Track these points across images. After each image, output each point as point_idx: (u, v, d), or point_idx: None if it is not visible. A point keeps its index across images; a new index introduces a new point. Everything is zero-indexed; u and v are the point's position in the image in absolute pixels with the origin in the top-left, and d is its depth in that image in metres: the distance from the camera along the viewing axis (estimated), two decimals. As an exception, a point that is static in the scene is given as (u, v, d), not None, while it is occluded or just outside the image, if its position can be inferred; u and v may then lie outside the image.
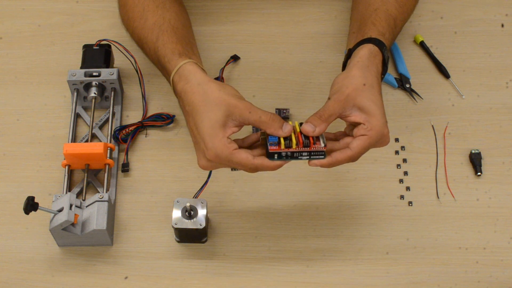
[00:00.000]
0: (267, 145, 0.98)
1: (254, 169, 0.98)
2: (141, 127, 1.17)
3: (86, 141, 1.15)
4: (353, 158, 0.99)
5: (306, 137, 0.98)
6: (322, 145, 0.99)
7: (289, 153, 0.98)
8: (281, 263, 1.08)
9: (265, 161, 0.97)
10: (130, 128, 1.16)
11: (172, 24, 1.09)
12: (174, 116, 1.17)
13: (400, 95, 1.20)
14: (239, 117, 0.97)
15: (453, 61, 1.23)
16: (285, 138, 0.98)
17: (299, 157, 0.99)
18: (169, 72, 1.04)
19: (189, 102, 1.00)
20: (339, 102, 0.99)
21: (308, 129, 0.97)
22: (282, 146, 0.98)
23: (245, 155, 0.97)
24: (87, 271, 1.07)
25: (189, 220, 1.04)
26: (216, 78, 1.20)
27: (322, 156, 0.99)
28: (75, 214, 1.03)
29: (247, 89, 1.21)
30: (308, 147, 0.98)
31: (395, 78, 1.20)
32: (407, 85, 1.20)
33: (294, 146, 0.98)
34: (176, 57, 1.04)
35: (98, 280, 1.06)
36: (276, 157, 0.98)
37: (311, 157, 0.99)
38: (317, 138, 0.99)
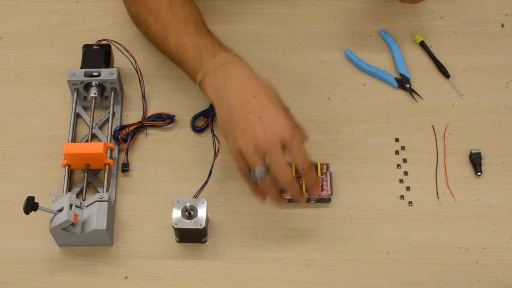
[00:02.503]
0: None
1: (307, 169, 1.00)
2: (141, 127, 1.17)
3: (86, 141, 1.15)
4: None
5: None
6: (329, 192, 1.10)
7: None
8: (281, 263, 1.08)
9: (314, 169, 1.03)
10: (130, 128, 1.16)
11: (201, 18, 1.13)
12: (174, 116, 1.17)
13: (400, 95, 1.20)
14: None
15: (453, 61, 1.23)
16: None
17: (309, 201, 1.11)
18: (216, 52, 1.04)
19: (257, 82, 1.01)
20: None
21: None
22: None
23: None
24: (87, 271, 1.07)
25: (189, 220, 1.04)
26: (216, 78, 1.20)
27: (329, 201, 1.11)
28: (75, 214, 1.03)
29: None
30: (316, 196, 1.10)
31: (395, 78, 1.20)
32: (407, 85, 1.20)
33: (304, 193, 1.07)
34: (222, 47, 1.07)
35: (98, 280, 1.06)
36: (287, 201, 1.08)
37: (318, 201, 1.11)
38: (325, 185, 1.10)
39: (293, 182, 1.00)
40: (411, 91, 1.20)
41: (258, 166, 0.99)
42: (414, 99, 1.19)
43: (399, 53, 1.22)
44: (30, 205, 1.00)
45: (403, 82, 1.20)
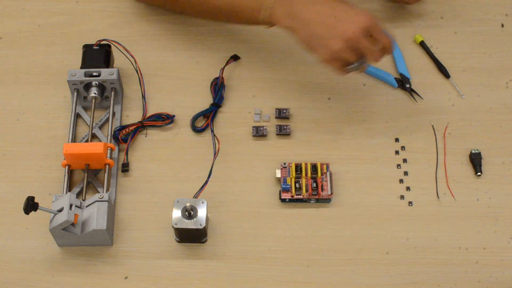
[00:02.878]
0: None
1: (389, 42, 1.08)
2: (141, 127, 1.17)
3: (86, 141, 1.15)
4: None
5: (315, 186, 1.10)
6: (329, 192, 1.10)
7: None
8: (281, 263, 1.08)
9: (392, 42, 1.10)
10: (130, 128, 1.16)
11: None
12: (174, 116, 1.17)
13: (400, 95, 1.20)
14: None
15: (453, 61, 1.23)
16: (295, 185, 1.10)
17: (309, 201, 1.11)
18: None
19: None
20: None
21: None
22: (293, 193, 1.10)
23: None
24: (87, 271, 1.07)
25: (189, 220, 1.04)
26: (216, 78, 1.20)
27: (329, 201, 1.11)
28: (75, 214, 1.03)
29: (247, 89, 1.21)
30: (316, 195, 1.09)
31: (395, 78, 1.20)
32: (407, 85, 1.20)
33: (304, 193, 1.10)
34: None
35: (98, 280, 1.06)
36: (287, 201, 1.11)
37: (318, 201, 1.11)
38: (325, 185, 1.10)
39: (381, 56, 1.09)
40: (411, 91, 1.20)
41: (354, 61, 1.09)
42: (414, 99, 1.19)
43: (399, 53, 1.22)
44: (30, 205, 1.00)
45: (403, 82, 1.20)
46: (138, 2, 1.26)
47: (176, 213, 1.05)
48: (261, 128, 1.17)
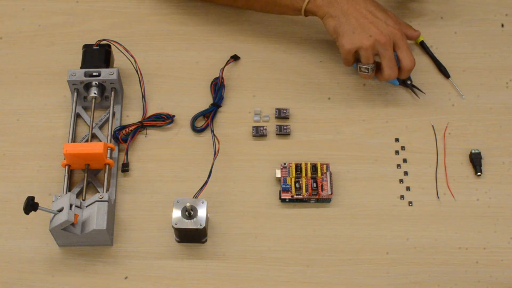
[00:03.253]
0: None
1: (411, 61, 1.14)
2: (141, 127, 1.17)
3: (86, 141, 1.15)
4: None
5: (315, 186, 1.10)
6: (329, 192, 1.10)
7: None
8: (281, 263, 1.08)
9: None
10: (130, 128, 1.16)
11: None
12: (174, 116, 1.17)
13: (400, 95, 1.20)
14: None
15: (453, 61, 1.23)
16: (295, 185, 1.10)
17: (309, 201, 1.11)
18: None
19: None
20: None
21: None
22: (293, 193, 1.10)
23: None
24: (87, 271, 1.07)
25: (189, 220, 1.04)
26: (216, 78, 1.20)
27: (329, 201, 1.11)
28: (75, 214, 1.03)
29: (247, 89, 1.21)
30: (316, 195, 1.09)
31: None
32: (408, 82, 1.20)
33: (304, 193, 1.10)
34: None
35: (98, 280, 1.06)
36: (287, 201, 1.11)
37: (318, 201, 1.11)
38: (325, 185, 1.10)
39: (394, 77, 1.15)
40: (412, 87, 1.20)
41: (370, 63, 1.14)
42: (416, 95, 1.19)
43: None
44: (30, 205, 1.00)
45: (404, 79, 1.20)
46: None
47: (176, 213, 1.05)
48: (261, 128, 1.17)
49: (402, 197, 1.12)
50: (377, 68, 1.16)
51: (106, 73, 1.15)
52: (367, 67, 1.15)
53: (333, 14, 1.13)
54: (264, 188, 1.13)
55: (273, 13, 1.23)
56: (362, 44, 1.12)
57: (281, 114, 1.18)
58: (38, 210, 1.01)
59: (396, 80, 1.20)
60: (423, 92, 1.19)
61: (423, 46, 1.25)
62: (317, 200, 1.11)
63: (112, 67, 1.20)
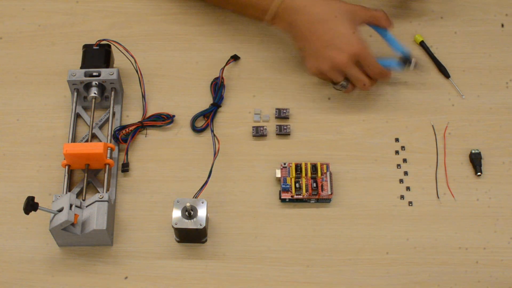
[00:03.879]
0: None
1: (378, 74, 1.14)
2: (141, 127, 1.17)
3: (86, 141, 1.15)
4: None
5: (315, 186, 1.10)
6: (329, 192, 1.10)
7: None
8: (281, 263, 1.08)
9: (386, 72, 1.16)
10: (130, 128, 1.16)
11: None
12: (174, 116, 1.17)
13: (400, 95, 1.20)
14: (359, 18, 1.14)
15: (453, 61, 1.23)
16: (295, 185, 1.10)
17: (309, 201, 1.11)
18: None
19: (315, 12, 1.12)
20: None
21: None
22: (293, 193, 1.10)
23: (374, 59, 1.14)
24: (87, 271, 1.07)
25: (189, 220, 1.04)
26: (216, 78, 1.20)
27: (329, 201, 1.11)
28: (75, 214, 1.03)
29: (247, 89, 1.21)
30: (316, 195, 1.09)
31: (398, 61, 1.18)
32: (412, 60, 1.17)
33: (304, 193, 1.10)
34: None
35: (98, 280, 1.06)
36: (287, 201, 1.11)
37: (318, 201, 1.11)
38: (325, 185, 1.10)
39: (368, 87, 1.15)
40: (415, 66, 1.17)
41: (339, 81, 1.15)
42: (423, 74, 1.19)
43: (391, 36, 1.19)
44: (30, 205, 1.00)
45: (405, 61, 1.18)
46: None
47: (176, 213, 1.05)
48: (261, 128, 1.17)
49: (402, 197, 1.12)
50: None
51: (106, 73, 1.15)
52: (339, 85, 1.16)
53: (293, 35, 1.15)
54: (264, 188, 1.13)
55: (242, 16, 1.24)
56: (323, 69, 1.14)
57: (281, 114, 1.18)
58: (38, 210, 1.01)
59: (400, 64, 1.18)
60: (427, 73, 1.20)
61: (423, 46, 1.25)
62: (317, 200, 1.11)
63: (112, 67, 1.20)
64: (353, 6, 1.14)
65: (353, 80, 1.15)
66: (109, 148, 1.12)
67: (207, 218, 1.06)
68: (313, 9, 1.12)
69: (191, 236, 1.07)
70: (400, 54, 1.19)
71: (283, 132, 1.17)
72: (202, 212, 1.05)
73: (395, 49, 1.19)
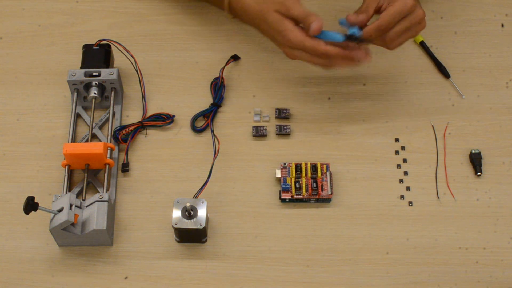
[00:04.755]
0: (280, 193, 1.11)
1: (324, 54, 1.08)
2: (141, 127, 1.17)
3: (86, 141, 1.15)
4: (381, 27, 1.08)
5: (315, 186, 1.10)
6: (329, 192, 1.10)
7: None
8: (281, 263, 1.08)
9: (335, 50, 1.08)
10: (130, 128, 1.16)
11: None
12: (174, 116, 1.17)
13: (400, 95, 1.20)
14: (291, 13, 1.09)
15: (453, 61, 1.23)
16: (295, 185, 1.10)
17: (309, 201, 1.11)
18: None
19: (249, 10, 1.12)
20: None
21: (351, 18, 1.10)
22: (293, 193, 1.10)
23: (312, 42, 1.08)
24: (87, 271, 1.07)
25: (189, 220, 1.04)
26: (216, 78, 1.20)
27: (329, 201, 1.11)
28: (75, 214, 1.03)
29: (247, 89, 1.21)
30: (316, 195, 1.09)
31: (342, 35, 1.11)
32: (356, 38, 1.09)
33: (304, 193, 1.10)
34: None
35: (98, 280, 1.07)
36: (287, 201, 1.11)
37: (318, 201, 1.11)
38: (325, 185, 1.10)
39: (328, 52, 1.08)
40: (360, 41, 1.10)
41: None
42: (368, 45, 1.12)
43: (325, 32, 1.11)
44: (30, 205, 1.00)
45: (350, 37, 1.10)
46: None
47: (176, 213, 1.05)
48: (261, 128, 1.17)
49: (402, 197, 1.12)
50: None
51: (106, 73, 1.15)
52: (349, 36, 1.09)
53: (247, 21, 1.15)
54: (264, 188, 1.13)
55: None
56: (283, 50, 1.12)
57: (281, 114, 1.18)
58: (38, 210, 1.01)
59: (341, 37, 1.10)
60: (369, 43, 1.11)
61: (423, 46, 1.25)
62: (317, 200, 1.11)
63: (112, 67, 1.20)
64: (284, 1, 1.10)
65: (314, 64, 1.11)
66: (109, 148, 1.12)
67: (207, 218, 1.06)
68: (247, 5, 1.12)
69: (191, 236, 1.07)
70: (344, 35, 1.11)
71: (283, 132, 1.17)
72: (202, 212, 1.05)
73: (337, 39, 1.10)
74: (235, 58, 1.23)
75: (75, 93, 1.16)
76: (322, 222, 1.11)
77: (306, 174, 1.11)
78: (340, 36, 1.09)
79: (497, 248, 1.09)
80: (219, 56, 1.23)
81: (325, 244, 1.09)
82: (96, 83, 1.15)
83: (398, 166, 1.15)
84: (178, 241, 1.09)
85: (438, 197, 1.12)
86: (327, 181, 1.11)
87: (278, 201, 1.12)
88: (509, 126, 1.18)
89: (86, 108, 1.18)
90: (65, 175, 1.11)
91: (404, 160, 1.15)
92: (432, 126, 1.18)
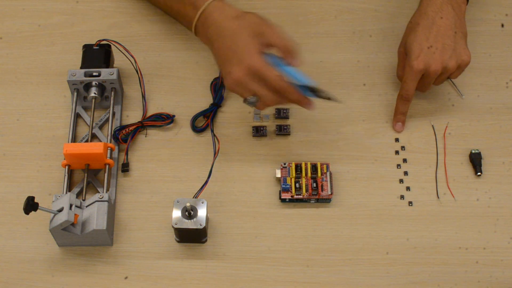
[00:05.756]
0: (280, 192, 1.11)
1: (280, 88, 1.05)
2: (141, 127, 1.17)
3: (86, 141, 1.15)
4: (402, 97, 1.15)
5: (315, 186, 1.10)
6: (329, 192, 1.10)
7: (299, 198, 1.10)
8: (281, 263, 1.08)
9: (291, 88, 1.06)
10: (130, 128, 1.16)
11: None
12: (174, 116, 1.17)
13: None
14: (267, 40, 1.07)
15: (453, 61, 1.23)
16: (295, 185, 1.10)
17: (309, 201, 1.11)
18: (198, 6, 1.11)
19: (224, 26, 1.08)
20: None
21: (400, 129, 1.17)
22: (293, 193, 1.10)
23: (276, 73, 1.05)
24: (87, 271, 1.07)
25: (189, 220, 1.04)
26: (216, 78, 1.20)
27: (329, 201, 1.11)
28: (75, 214, 1.03)
29: (247, 89, 1.21)
30: (316, 195, 1.09)
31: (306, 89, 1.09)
32: (321, 93, 1.08)
33: (304, 193, 1.10)
34: None
35: (98, 280, 1.07)
36: (287, 201, 1.11)
37: (318, 201, 1.11)
38: (325, 185, 1.10)
39: (275, 102, 1.07)
40: (328, 99, 1.09)
41: (249, 96, 1.07)
42: (336, 100, 1.10)
43: (292, 70, 1.08)
44: (30, 205, 1.00)
45: (315, 91, 1.08)
46: None
47: (176, 213, 1.05)
48: (261, 128, 1.17)
49: (402, 197, 1.12)
50: None
51: (106, 73, 1.15)
52: (249, 100, 1.07)
53: (210, 48, 1.11)
54: (264, 188, 1.13)
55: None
56: (227, 85, 1.08)
57: (281, 114, 1.18)
58: (38, 210, 1.01)
59: (308, 92, 1.08)
60: (339, 101, 1.10)
61: (423, 46, 1.24)
62: (317, 200, 1.11)
63: (112, 67, 1.20)
64: (265, 26, 1.07)
65: (259, 96, 1.07)
66: (109, 148, 1.12)
67: (207, 218, 1.06)
68: (223, 23, 1.08)
69: (191, 236, 1.07)
70: (306, 86, 1.09)
71: (283, 132, 1.17)
72: (202, 212, 1.05)
73: (299, 82, 1.08)
74: (235, 58, 1.22)
75: (75, 93, 1.16)
76: (322, 222, 1.11)
77: (306, 174, 1.11)
78: (312, 81, 1.07)
79: (497, 248, 1.09)
80: (219, 56, 1.23)
81: (325, 244, 1.09)
82: (96, 83, 1.15)
83: (398, 166, 1.15)
84: (178, 241, 1.09)
85: (438, 197, 1.12)
86: (327, 181, 1.11)
87: (278, 201, 1.12)
88: (509, 126, 1.18)
89: (86, 108, 1.18)
90: (65, 175, 1.11)
91: (404, 160, 1.15)
92: (432, 126, 1.18)
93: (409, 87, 1.13)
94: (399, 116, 1.16)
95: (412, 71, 1.11)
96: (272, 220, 1.11)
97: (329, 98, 1.09)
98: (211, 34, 1.09)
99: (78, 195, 1.11)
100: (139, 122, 1.17)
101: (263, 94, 1.06)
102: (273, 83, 1.05)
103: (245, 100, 1.08)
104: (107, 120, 1.17)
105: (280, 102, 1.08)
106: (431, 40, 1.11)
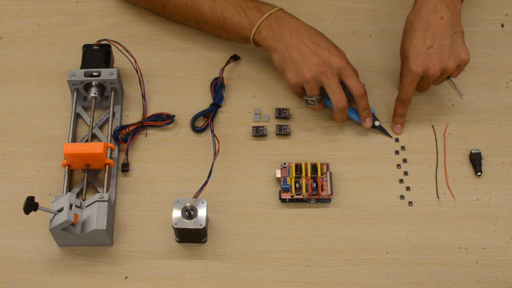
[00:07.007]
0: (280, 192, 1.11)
1: (361, 90, 1.13)
2: (141, 127, 1.17)
3: (86, 141, 1.15)
4: (401, 100, 1.15)
5: (315, 186, 1.10)
6: (329, 192, 1.10)
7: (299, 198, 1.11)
8: (281, 263, 1.08)
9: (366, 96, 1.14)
10: (130, 128, 1.16)
11: None
12: (174, 116, 1.17)
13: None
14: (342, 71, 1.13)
15: (453, 61, 1.23)
16: (295, 185, 1.10)
17: (309, 201, 1.11)
18: (264, 11, 1.15)
19: (306, 27, 1.15)
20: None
21: (399, 131, 1.18)
22: (293, 193, 1.10)
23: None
24: (87, 271, 1.07)
25: (189, 220, 1.04)
26: (216, 78, 1.20)
27: (329, 201, 1.11)
28: (75, 214, 1.03)
29: (247, 89, 1.21)
30: (316, 195, 1.09)
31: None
32: (376, 123, 1.16)
33: (304, 193, 1.10)
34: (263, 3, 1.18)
35: (98, 280, 1.07)
36: (287, 201, 1.11)
37: (318, 201, 1.11)
38: (325, 185, 1.10)
39: (343, 105, 1.13)
40: (381, 129, 1.17)
41: (315, 95, 1.13)
42: (389, 135, 1.17)
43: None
44: (30, 205, 1.00)
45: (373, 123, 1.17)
46: (124, 1, 1.26)
47: (176, 213, 1.05)
48: (261, 128, 1.17)
49: (402, 197, 1.12)
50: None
51: (106, 73, 1.15)
52: (312, 99, 1.14)
53: (277, 48, 1.13)
54: (264, 188, 1.13)
55: (222, 37, 1.23)
56: (304, 78, 1.11)
57: (281, 114, 1.18)
58: (38, 210, 1.01)
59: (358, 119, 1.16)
60: (390, 136, 1.17)
61: (423, 46, 1.24)
62: (317, 200, 1.11)
63: (112, 67, 1.20)
64: (343, 62, 1.13)
65: (329, 91, 1.11)
66: (109, 148, 1.12)
67: (207, 218, 1.06)
68: (300, 25, 1.15)
69: (191, 236, 1.07)
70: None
71: (283, 132, 1.17)
72: (202, 212, 1.05)
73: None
74: (235, 58, 1.23)
75: (75, 93, 1.16)
76: (322, 222, 1.11)
77: (306, 174, 1.11)
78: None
79: (497, 248, 1.09)
80: (219, 56, 1.23)
81: (325, 244, 1.09)
82: (96, 83, 1.15)
83: (398, 166, 1.15)
84: (178, 241, 1.09)
85: (438, 197, 1.12)
86: (327, 181, 1.11)
87: (278, 201, 1.12)
88: (509, 126, 1.18)
89: (86, 108, 1.18)
90: (65, 175, 1.11)
91: (404, 160, 1.15)
92: (432, 126, 1.18)
93: (408, 90, 1.13)
94: (398, 118, 1.16)
95: (411, 74, 1.11)
96: (272, 220, 1.11)
97: (382, 130, 1.17)
98: (285, 30, 1.13)
99: (78, 195, 1.11)
100: (139, 122, 1.17)
101: (338, 91, 1.11)
102: (355, 86, 1.12)
103: (308, 101, 1.14)
104: (107, 120, 1.17)
105: (346, 105, 1.13)
106: (428, 42, 1.11)
